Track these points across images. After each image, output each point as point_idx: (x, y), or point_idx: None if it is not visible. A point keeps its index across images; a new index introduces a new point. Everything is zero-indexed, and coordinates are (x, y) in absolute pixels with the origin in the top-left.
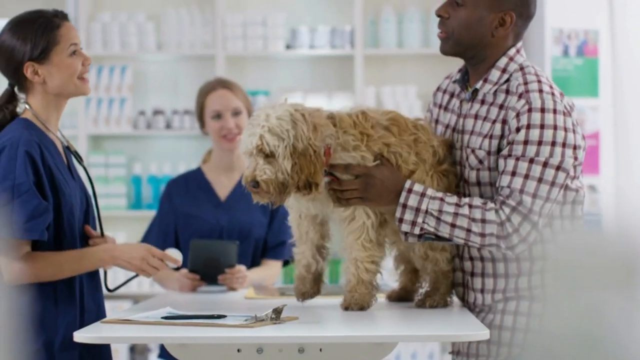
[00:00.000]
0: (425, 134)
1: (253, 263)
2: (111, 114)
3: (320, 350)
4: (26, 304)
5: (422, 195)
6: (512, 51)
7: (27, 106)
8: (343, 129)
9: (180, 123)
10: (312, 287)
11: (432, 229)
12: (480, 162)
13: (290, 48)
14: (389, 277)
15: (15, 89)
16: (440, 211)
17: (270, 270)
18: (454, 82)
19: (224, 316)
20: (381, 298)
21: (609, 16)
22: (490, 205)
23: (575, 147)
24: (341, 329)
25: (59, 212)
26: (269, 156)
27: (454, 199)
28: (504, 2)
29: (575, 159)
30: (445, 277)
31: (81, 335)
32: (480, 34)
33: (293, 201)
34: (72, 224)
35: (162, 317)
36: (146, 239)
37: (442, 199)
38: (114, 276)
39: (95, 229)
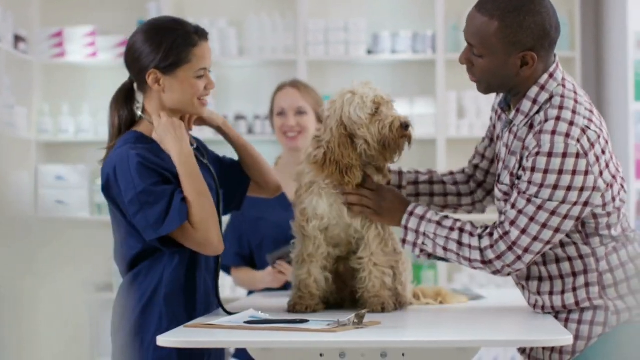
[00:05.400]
0: None
1: None
2: None
3: (403, 355)
4: (131, 305)
5: (422, 218)
6: (543, 78)
7: (141, 115)
8: None
9: (262, 128)
10: (318, 303)
11: (430, 250)
12: (505, 194)
13: (371, 53)
14: (471, 283)
15: (135, 85)
16: (435, 234)
17: None
18: (499, 104)
19: (307, 321)
20: (464, 303)
21: None
22: (479, 231)
23: (582, 189)
24: (423, 334)
25: None
26: None
27: (449, 222)
28: (521, 44)
29: (575, 203)
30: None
31: (164, 340)
32: (507, 77)
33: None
34: None
35: (245, 322)
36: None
37: (438, 222)
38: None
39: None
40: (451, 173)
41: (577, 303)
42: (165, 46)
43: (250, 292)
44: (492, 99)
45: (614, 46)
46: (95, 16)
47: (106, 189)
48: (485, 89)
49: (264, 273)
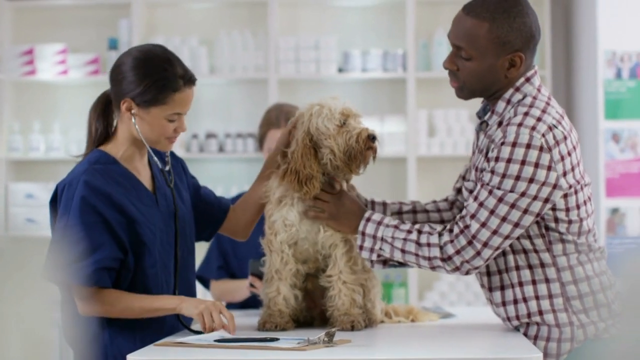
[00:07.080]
0: None
1: None
2: None
3: None
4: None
5: (379, 223)
6: (519, 81)
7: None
8: None
9: (233, 146)
10: (287, 321)
11: (387, 255)
12: (471, 191)
13: (342, 71)
14: (442, 301)
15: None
16: (393, 238)
17: None
18: (477, 114)
19: (277, 339)
20: (434, 321)
21: None
22: (438, 229)
23: (544, 184)
24: (394, 352)
25: (137, 238)
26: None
27: (407, 226)
28: (510, 45)
29: (535, 198)
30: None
31: (135, 358)
32: (493, 79)
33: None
34: (151, 249)
35: (215, 340)
36: (207, 262)
37: (396, 227)
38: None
39: (184, 250)
40: (434, 202)
41: (540, 312)
42: (147, 82)
43: (228, 305)
44: (463, 118)
45: (584, 65)
46: (66, 34)
47: (53, 202)
48: (467, 94)
49: (243, 283)
